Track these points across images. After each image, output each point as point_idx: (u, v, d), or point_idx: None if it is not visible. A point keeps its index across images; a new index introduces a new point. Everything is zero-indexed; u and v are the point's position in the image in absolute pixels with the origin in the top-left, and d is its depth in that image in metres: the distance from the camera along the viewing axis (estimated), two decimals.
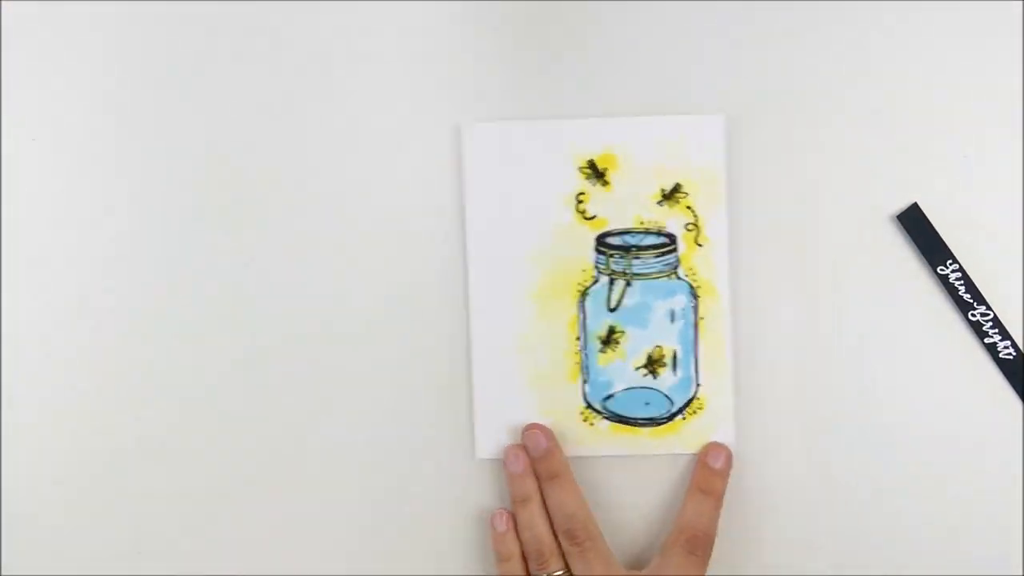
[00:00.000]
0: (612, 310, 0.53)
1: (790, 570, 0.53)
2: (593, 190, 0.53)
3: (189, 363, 0.53)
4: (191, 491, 0.54)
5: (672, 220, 0.53)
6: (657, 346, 0.53)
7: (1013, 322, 0.52)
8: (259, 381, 0.53)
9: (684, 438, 0.53)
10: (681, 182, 0.53)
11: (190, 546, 0.54)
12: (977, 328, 0.52)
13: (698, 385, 0.53)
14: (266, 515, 0.54)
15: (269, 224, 0.53)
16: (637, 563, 0.53)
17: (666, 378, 0.53)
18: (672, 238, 0.53)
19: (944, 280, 0.52)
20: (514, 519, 0.52)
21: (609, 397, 0.53)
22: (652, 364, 0.53)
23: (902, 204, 0.52)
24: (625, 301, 0.53)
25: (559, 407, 0.53)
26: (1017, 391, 0.52)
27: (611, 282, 0.53)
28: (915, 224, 0.51)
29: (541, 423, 0.52)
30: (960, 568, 0.52)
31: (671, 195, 0.53)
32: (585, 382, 0.53)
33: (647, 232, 0.53)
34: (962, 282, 0.51)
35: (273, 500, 0.54)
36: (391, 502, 0.54)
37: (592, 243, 0.53)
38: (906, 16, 0.52)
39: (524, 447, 0.52)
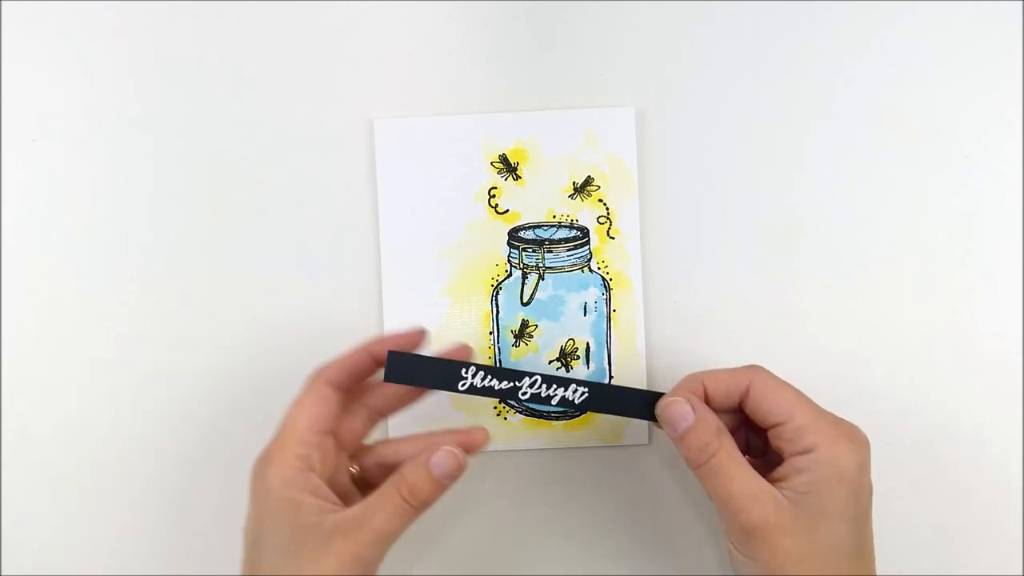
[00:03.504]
0: (525, 304, 0.53)
1: None
2: (505, 184, 0.53)
3: (188, 361, 0.53)
4: (191, 490, 0.54)
5: (584, 213, 0.53)
6: (570, 339, 0.53)
7: (1013, 321, 0.52)
8: (250, 380, 0.54)
9: (598, 430, 0.53)
10: (592, 175, 0.53)
11: (190, 546, 0.54)
12: None
13: (611, 377, 0.53)
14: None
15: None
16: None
17: (579, 371, 0.53)
18: (584, 231, 0.53)
19: None
20: None
21: None
22: (565, 357, 0.53)
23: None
24: (538, 295, 0.53)
25: (473, 402, 0.53)
26: None
27: (524, 276, 0.53)
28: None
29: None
30: (960, 568, 0.53)
31: (583, 188, 0.53)
32: None
33: (560, 225, 0.53)
34: None
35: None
36: None
37: (505, 237, 0.53)
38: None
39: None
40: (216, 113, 0.53)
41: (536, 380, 0.46)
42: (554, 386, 0.46)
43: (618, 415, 0.47)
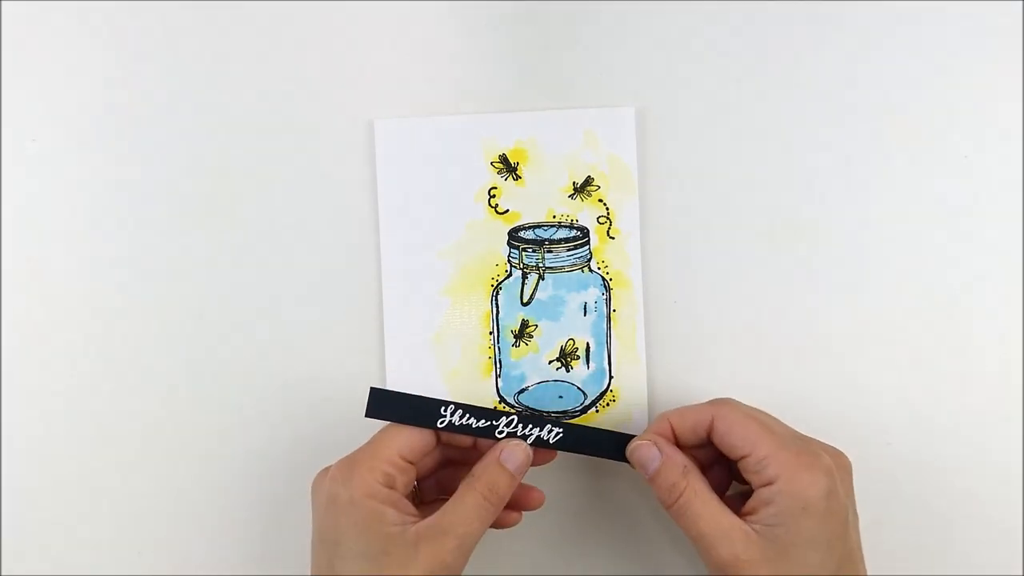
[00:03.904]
0: (525, 304, 0.53)
1: None
2: (505, 184, 0.53)
3: (186, 361, 0.53)
4: (191, 490, 0.53)
5: (584, 213, 0.53)
6: (570, 339, 0.53)
7: (1013, 321, 0.52)
8: (249, 379, 0.54)
9: (599, 426, 0.52)
10: (593, 175, 0.53)
11: (189, 546, 0.54)
12: None
13: (611, 377, 0.53)
14: (261, 515, 0.54)
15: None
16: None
17: (579, 371, 0.53)
18: (585, 231, 0.53)
19: None
20: None
21: (523, 391, 0.53)
22: (565, 357, 0.53)
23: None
24: (538, 295, 0.53)
25: (473, 401, 0.52)
26: None
27: (524, 276, 0.53)
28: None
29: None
30: (960, 568, 0.53)
31: (583, 188, 0.53)
32: (498, 376, 0.53)
33: (560, 225, 0.53)
34: None
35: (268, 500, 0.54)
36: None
37: (505, 237, 0.53)
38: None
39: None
40: (216, 113, 0.53)
41: (512, 420, 0.48)
42: (530, 426, 0.48)
43: (592, 456, 0.48)
